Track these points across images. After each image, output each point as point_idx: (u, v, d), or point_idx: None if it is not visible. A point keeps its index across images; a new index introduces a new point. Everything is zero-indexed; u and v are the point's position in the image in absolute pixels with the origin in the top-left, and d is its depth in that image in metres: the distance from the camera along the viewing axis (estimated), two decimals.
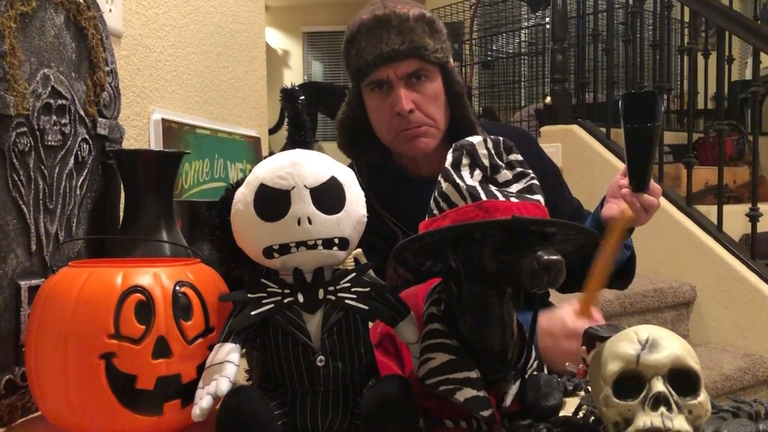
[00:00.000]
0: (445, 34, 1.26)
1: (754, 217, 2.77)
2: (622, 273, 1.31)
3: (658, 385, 0.67)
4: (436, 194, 0.80)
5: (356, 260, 1.23)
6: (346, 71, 1.30)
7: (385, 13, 1.20)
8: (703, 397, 0.68)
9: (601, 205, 1.22)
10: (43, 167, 0.97)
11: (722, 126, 3.00)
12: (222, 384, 0.74)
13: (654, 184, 1.11)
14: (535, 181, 0.80)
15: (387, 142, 1.30)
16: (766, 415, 0.78)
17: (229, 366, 0.76)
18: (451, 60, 1.30)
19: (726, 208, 2.92)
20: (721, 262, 2.79)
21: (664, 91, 3.45)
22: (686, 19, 3.58)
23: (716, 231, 2.88)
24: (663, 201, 2.63)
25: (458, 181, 0.77)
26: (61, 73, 1.02)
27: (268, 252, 0.79)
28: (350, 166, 1.33)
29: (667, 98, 3.51)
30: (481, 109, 5.15)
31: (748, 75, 4.15)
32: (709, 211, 2.97)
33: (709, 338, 2.83)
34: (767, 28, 3.23)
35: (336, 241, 0.80)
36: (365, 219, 0.84)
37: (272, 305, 0.79)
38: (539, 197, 0.78)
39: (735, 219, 2.92)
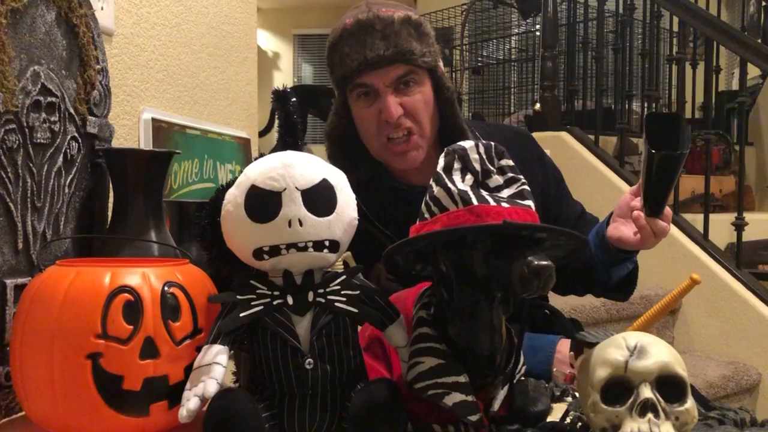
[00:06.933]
0: (432, 37, 1.20)
1: (739, 226, 2.79)
2: (624, 285, 1.29)
3: (646, 392, 0.67)
4: (428, 198, 0.80)
5: (345, 263, 1.22)
6: (330, 78, 1.24)
7: (369, 17, 1.14)
8: (690, 403, 0.69)
9: (607, 222, 1.17)
10: (31, 165, 0.96)
11: (709, 135, 3.03)
12: (209, 386, 0.74)
13: (666, 209, 1.07)
14: (526, 187, 0.80)
15: (375, 150, 1.24)
16: (751, 423, 0.79)
17: (216, 368, 0.75)
18: (441, 64, 1.25)
19: (712, 216, 2.94)
20: (706, 270, 2.81)
21: (653, 99, 3.47)
22: (675, 28, 3.62)
23: (702, 239, 2.89)
24: None
25: (450, 185, 0.77)
26: (52, 70, 1.01)
27: (258, 254, 0.79)
28: None
29: (655, 107, 3.53)
30: (470, 114, 5.16)
31: (735, 85, 4.19)
32: (696, 219, 2.99)
33: (694, 346, 2.85)
34: (754, 39, 3.26)
35: (326, 243, 0.80)
36: (356, 222, 0.84)
37: (261, 307, 0.78)
38: (530, 202, 0.79)
39: (721, 228, 2.94)
